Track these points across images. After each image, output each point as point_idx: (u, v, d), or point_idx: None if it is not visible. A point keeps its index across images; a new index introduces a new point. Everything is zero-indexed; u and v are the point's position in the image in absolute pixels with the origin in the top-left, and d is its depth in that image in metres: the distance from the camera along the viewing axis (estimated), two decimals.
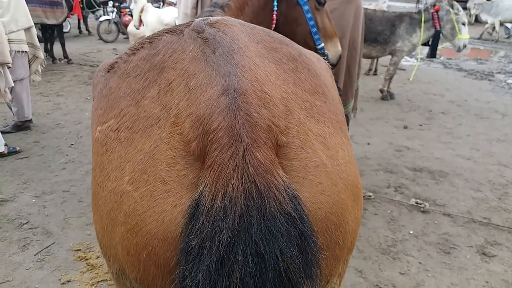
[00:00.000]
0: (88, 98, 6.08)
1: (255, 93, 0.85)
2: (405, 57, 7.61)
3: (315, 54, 1.25)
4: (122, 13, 11.02)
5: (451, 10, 6.10)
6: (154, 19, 7.01)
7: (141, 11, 7.09)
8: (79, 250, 2.76)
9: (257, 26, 1.15)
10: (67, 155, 4.21)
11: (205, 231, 0.74)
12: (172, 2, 7.60)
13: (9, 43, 4.06)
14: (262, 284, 0.73)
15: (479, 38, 14.04)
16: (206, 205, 0.76)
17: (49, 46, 8.27)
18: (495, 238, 3.07)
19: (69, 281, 2.47)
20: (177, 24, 1.91)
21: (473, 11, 14.27)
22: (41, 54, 4.76)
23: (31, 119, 4.81)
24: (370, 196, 3.55)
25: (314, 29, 2.27)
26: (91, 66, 8.09)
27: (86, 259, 2.67)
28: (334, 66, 2.42)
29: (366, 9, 5.99)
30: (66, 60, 8.30)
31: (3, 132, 4.26)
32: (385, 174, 4.06)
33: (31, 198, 3.37)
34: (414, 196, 3.61)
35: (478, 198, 3.66)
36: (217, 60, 0.91)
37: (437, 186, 3.85)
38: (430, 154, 4.59)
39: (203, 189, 0.77)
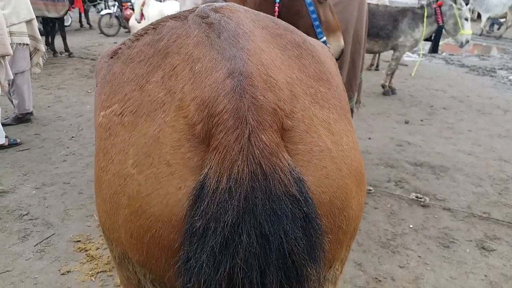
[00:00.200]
0: (89, 91, 6.07)
1: (260, 76, 0.85)
2: (407, 52, 7.60)
3: (319, 42, 1.24)
4: (123, 7, 10.98)
5: (454, 5, 6.08)
6: (155, 13, 6.98)
7: (143, 4, 7.06)
8: (79, 241, 2.76)
9: (261, 13, 1.14)
10: (67, 147, 4.21)
11: (210, 212, 0.74)
12: None
13: (10, 36, 4.04)
14: (266, 265, 0.73)
15: (480, 35, 14.02)
16: (211, 186, 0.75)
17: (50, 40, 8.25)
18: (495, 232, 3.08)
19: (68, 272, 2.48)
20: None
21: (469, 6, 14.31)
22: (42, 47, 4.76)
23: (32, 111, 4.81)
24: (370, 190, 3.55)
25: (317, 22, 2.25)
26: (92, 59, 8.07)
27: (86, 250, 2.67)
28: (336, 60, 2.41)
29: (368, 4, 5.97)
30: (67, 53, 8.29)
31: (3, 124, 4.25)
32: (386, 168, 4.06)
33: (31, 189, 3.37)
34: (415, 191, 3.61)
35: (478, 193, 3.66)
36: (222, 44, 0.91)
37: (437, 180, 3.85)
38: (431, 149, 4.59)
39: (208, 171, 0.77)
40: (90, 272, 2.47)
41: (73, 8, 8.59)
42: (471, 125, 5.46)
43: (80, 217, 3.03)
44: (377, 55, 8.36)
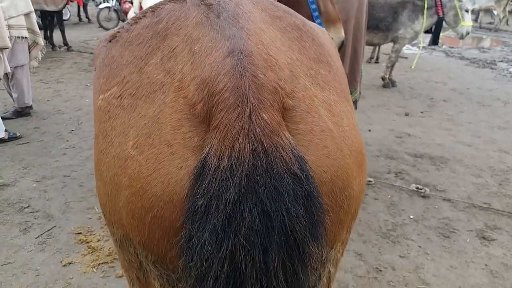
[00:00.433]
0: (88, 85, 6.05)
1: (260, 55, 0.84)
2: (407, 45, 7.57)
3: (319, 26, 1.23)
4: (122, 0, 10.92)
5: None
6: None
7: None
8: (80, 233, 2.77)
9: None
10: (67, 140, 4.21)
11: (212, 190, 0.74)
12: None
13: (8, 29, 4.02)
14: (268, 243, 0.73)
15: (480, 27, 13.98)
16: (213, 165, 0.75)
17: (48, 33, 8.22)
18: (495, 222, 3.08)
19: (70, 263, 2.48)
20: None
21: None
22: (41, 40, 4.72)
23: (31, 105, 4.80)
24: (370, 181, 3.55)
25: (316, 13, 2.24)
26: (91, 53, 8.04)
27: (87, 242, 2.67)
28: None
29: None
30: (66, 47, 8.26)
31: (3, 118, 4.25)
32: (386, 160, 4.06)
33: (31, 182, 3.37)
34: (415, 182, 3.61)
35: (478, 183, 3.66)
36: (222, 24, 0.90)
37: (437, 172, 3.85)
38: (431, 140, 4.59)
39: (209, 150, 0.77)
40: (91, 264, 2.48)
41: (71, 1, 8.56)
42: (471, 117, 5.45)
43: (81, 210, 3.03)
44: (377, 47, 8.33)
